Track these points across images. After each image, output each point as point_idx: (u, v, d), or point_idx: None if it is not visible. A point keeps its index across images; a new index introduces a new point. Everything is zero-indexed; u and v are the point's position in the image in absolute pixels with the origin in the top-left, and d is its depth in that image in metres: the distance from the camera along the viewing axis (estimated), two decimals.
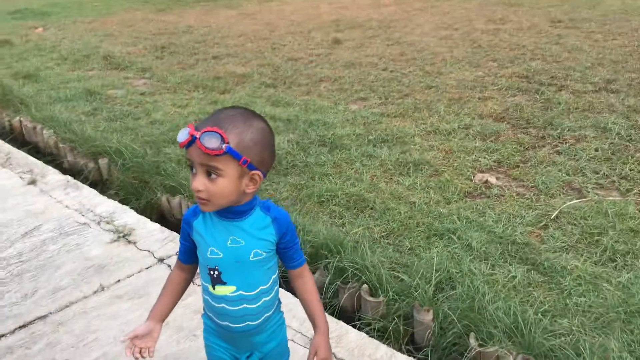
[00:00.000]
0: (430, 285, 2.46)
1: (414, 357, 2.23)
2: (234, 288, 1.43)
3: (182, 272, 1.55)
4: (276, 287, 1.50)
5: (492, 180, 3.53)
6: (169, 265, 2.58)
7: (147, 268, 2.56)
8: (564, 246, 2.81)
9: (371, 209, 3.22)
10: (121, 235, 2.84)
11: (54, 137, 4.35)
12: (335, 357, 2.11)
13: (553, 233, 2.92)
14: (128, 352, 1.47)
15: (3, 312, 2.30)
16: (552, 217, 3.06)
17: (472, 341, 2.15)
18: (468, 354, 2.12)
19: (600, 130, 4.09)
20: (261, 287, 1.45)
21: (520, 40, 6.60)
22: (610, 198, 3.22)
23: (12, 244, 2.80)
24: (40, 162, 3.85)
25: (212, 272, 1.43)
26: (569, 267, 2.62)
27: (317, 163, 3.80)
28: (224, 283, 1.44)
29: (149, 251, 2.69)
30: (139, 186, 3.54)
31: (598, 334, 2.19)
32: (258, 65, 6.40)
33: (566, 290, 2.48)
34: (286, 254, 1.46)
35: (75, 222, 2.99)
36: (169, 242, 2.77)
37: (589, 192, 3.30)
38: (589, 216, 3.03)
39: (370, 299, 2.42)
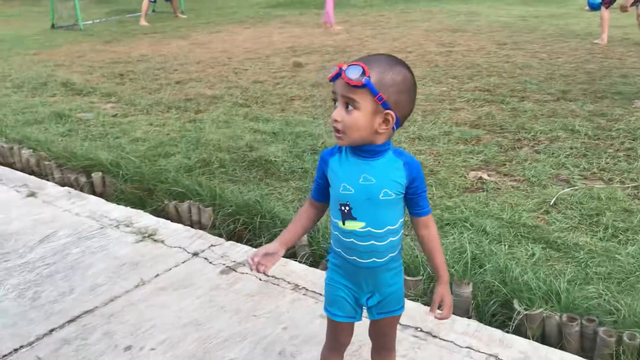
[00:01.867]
0: (460, 264, 2.58)
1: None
2: (363, 224, 1.50)
3: (313, 208, 1.63)
4: (402, 231, 1.57)
5: (485, 176, 3.74)
6: (205, 258, 2.58)
7: (183, 262, 2.55)
8: (568, 227, 3.02)
9: None
10: (145, 235, 2.81)
11: (35, 155, 4.23)
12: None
13: (556, 216, 3.13)
14: (251, 262, 1.55)
15: (45, 310, 2.23)
16: (551, 204, 3.27)
17: (517, 306, 2.28)
18: (516, 317, 2.25)
19: (570, 132, 4.41)
20: (388, 227, 1.51)
21: (473, 60, 7.00)
22: (598, 186, 3.48)
23: (31, 249, 2.72)
24: (32, 177, 3.73)
25: (343, 208, 1.49)
26: (580, 243, 2.82)
27: (314, 168, 3.88)
28: (354, 218, 1.50)
29: (180, 247, 2.68)
30: (143, 195, 3.51)
31: (624, 295, 2.37)
32: (226, 87, 6.46)
33: (583, 262, 2.67)
34: (413, 200, 1.52)
35: (92, 227, 2.93)
36: (197, 239, 2.77)
37: (576, 182, 3.55)
38: (584, 201, 3.26)
39: (410, 278, 2.51)
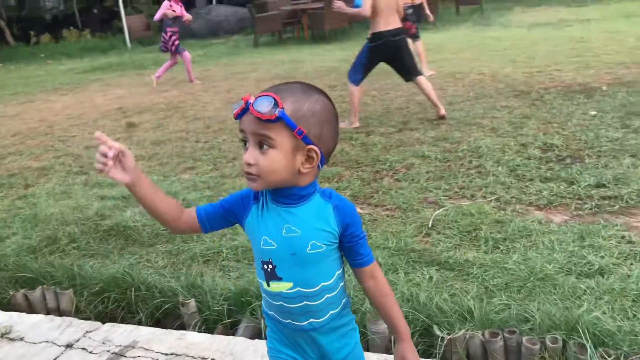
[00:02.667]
0: (366, 301, 2.46)
1: None
2: (290, 284, 1.28)
3: (182, 214, 1.33)
4: (342, 284, 1.35)
5: (359, 210, 3.71)
6: (84, 349, 2.15)
7: (56, 359, 2.10)
8: (452, 245, 3.06)
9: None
10: None
11: None
12: None
13: (438, 237, 3.16)
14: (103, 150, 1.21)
15: None
16: (429, 226, 3.31)
17: (438, 332, 2.20)
18: (441, 343, 2.16)
19: (422, 158, 4.59)
20: (322, 284, 1.30)
21: None
22: (465, 203, 3.61)
23: None
24: None
25: (265, 266, 1.28)
26: (470, 259, 2.86)
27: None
28: (279, 279, 1.28)
29: (47, 341, 2.22)
30: None
31: (529, 301, 2.41)
32: (54, 157, 5.81)
33: (479, 277, 2.69)
34: (351, 249, 1.31)
35: None
36: (66, 328, 2.32)
37: (444, 202, 3.66)
38: (458, 219, 3.35)
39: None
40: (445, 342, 2.15)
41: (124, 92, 9.66)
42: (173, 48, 9.68)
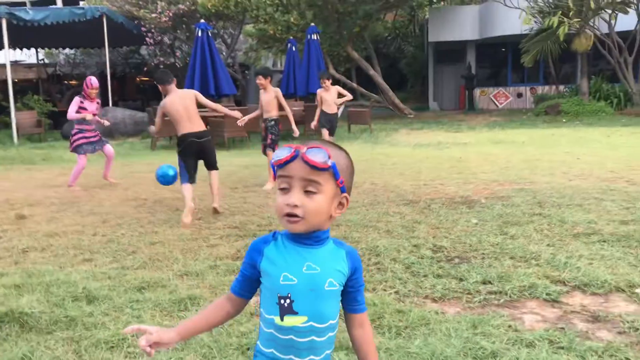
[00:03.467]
0: None
1: None
2: (305, 318, 1.39)
3: (228, 303, 1.45)
4: (337, 327, 1.48)
5: None
6: None
7: None
8: None
9: None
10: None
11: None
12: None
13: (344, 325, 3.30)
14: (143, 344, 1.36)
15: None
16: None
17: None
18: None
19: None
20: (330, 321, 1.42)
21: (207, 204, 7.23)
22: (368, 294, 3.81)
23: None
24: None
25: (282, 301, 1.37)
26: (376, 344, 3.00)
27: (84, 315, 3.44)
28: (294, 313, 1.38)
29: None
30: None
31: None
32: None
33: None
34: (351, 295, 1.46)
35: None
36: None
37: None
38: None
39: None
40: None
41: (11, 186, 9.23)
42: (71, 148, 8.77)
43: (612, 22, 18.96)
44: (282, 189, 1.38)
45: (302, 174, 1.35)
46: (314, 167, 1.34)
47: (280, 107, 8.13)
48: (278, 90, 8.13)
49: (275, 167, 1.38)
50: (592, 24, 19.16)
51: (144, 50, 24.34)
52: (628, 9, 18.48)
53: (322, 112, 9.87)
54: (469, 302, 3.70)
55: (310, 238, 1.41)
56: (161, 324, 3.35)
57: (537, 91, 24.64)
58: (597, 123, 16.79)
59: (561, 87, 23.27)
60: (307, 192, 1.36)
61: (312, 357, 1.42)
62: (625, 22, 19.12)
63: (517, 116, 20.61)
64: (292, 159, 1.36)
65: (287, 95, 19.97)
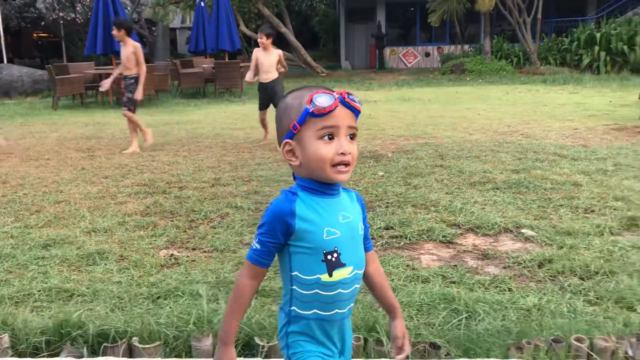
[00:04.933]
0: (191, 322, 2.61)
1: None
2: (351, 268, 1.36)
3: (254, 280, 1.40)
4: None
5: (176, 253, 3.84)
6: None
7: None
8: (269, 276, 3.34)
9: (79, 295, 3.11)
10: None
11: None
12: None
13: None
14: None
15: None
16: None
17: (259, 341, 2.43)
18: (262, 350, 2.38)
19: (235, 209, 4.87)
20: (365, 266, 1.44)
21: (119, 161, 7.06)
22: None
23: None
24: None
25: (330, 257, 1.31)
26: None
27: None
28: (342, 265, 1.33)
29: None
30: None
31: None
32: None
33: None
34: (364, 234, 1.46)
35: None
36: None
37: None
38: None
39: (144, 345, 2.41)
40: (265, 348, 2.38)
41: None
42: None
43: None
44: (323, 138, 1.28)
45: (348, 121, 1.30)
46: (358, 113, 1.30)
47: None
48: (138, 45, 8.03)
49: (310, 117, 1.27)
50: None
51: (40, 4, 22.79)
52: None
53: (259, 83, 8.20)
54: (373, 245, 3.91)
55: (331, 188, 1.35)
56: (69, 279, 3.33)
57: (444, 51, 25.45)
58: (498, 81, 17.67)
59: (466, 47, 24.15)
60: (351, 139, 1.32)
61: (350, 305, 1.40)
62: None
63: (424, 75, 21.27)
64: (340, 105, 1.28)
65: (196, 52, 19.56)
